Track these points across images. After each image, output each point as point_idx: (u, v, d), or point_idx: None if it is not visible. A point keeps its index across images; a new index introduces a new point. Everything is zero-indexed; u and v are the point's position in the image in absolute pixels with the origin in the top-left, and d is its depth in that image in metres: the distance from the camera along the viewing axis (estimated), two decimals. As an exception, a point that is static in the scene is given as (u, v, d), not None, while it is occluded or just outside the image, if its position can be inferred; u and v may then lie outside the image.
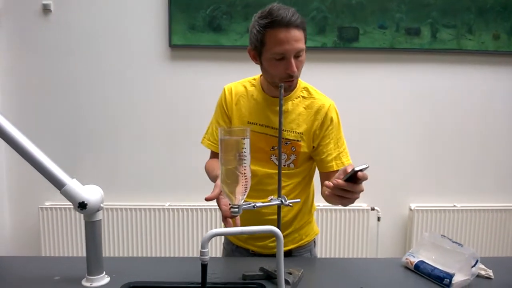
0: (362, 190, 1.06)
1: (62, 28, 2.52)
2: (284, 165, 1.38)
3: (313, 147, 1.38)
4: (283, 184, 1.39)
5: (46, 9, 2.49)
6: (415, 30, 2.55)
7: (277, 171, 1.37)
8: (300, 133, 1.36)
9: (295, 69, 1.23)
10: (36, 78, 2.56)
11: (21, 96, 2.57)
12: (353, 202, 1.10)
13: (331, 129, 1.37)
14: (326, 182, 1.11)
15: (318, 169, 1.43)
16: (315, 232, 1.55)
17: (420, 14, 2.53)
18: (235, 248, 1.53)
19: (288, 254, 1.44)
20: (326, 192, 1.13)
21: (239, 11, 2.47)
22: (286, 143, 1.36)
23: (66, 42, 2.53)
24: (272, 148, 1.37)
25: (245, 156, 0.98)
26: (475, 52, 2.59)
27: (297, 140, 1.36)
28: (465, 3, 2.53)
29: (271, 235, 1.42)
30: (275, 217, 1.40)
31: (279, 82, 1.27)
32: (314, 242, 1.57)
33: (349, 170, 1.04)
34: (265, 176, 1.38)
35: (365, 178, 1.03)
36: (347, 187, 1.04)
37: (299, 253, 1.48)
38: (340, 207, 2.59)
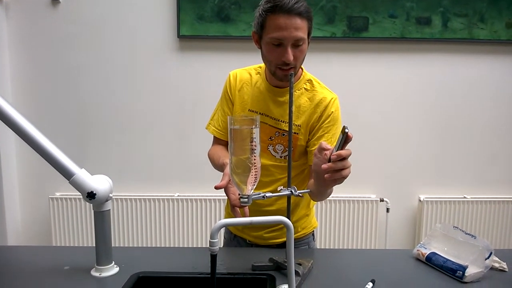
0: (350, 165, 1.02)
1: (71, 19, 2.52)
2: (281, 157, 1.36)
3: (309, 139, 1.35)
4: (279, 176, 1.38)
5: (54, 0, 2.48)
6: (425, 19, 2.51)
7: (274, 163, 1.37)
8: (298, 125, 1.33)
9: (291, 57, 1.20)
10: (44, 69, 2.56)
11: (30, 87, 2.57)
12: (342, 181, 1.04)
13: (328, 122, 1.33)
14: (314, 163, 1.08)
15: (308, 162, 1.37)
16: (313, 225, 1.52)
17: (431, 2, 2.49)
18: (233, 237, 1.53)
19: (283, 245, 1.42)
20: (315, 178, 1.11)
21: (247, 1, 2.44)
22: (283, 135, 1.34)
23: (75, 33, 2.53)
24: (270, 138, 1.35)
25: (255, 146, 0.97)
26: (487, 41, 2.54)
27: (295, 133, 1.33)
28: (477, -9, 2.48)
29: (267, 225, 1.43)
30: (273, 208, 1.40)
31: (275, 69, 1.26)
32: (313, 235, 1.55)
33: (324, 146, 1.03)
34: (261, 167, 1.35)
35: (350, 139, 0.99)
36: (339, 165, 1.00)
37: (296, 246, 1.46)
38: (348, 197, 2.58)
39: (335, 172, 1.00)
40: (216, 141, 1.48)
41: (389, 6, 2.49)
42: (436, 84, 2.60)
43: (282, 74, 1.25)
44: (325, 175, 1.01)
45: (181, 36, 2.50)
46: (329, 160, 1.01)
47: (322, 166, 1.00)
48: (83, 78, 2.57)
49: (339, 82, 2.43)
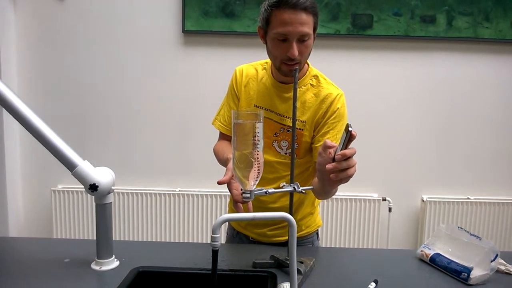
0: (355, 163, 1.00)
1: (77, 14, 2.51)
2: (286, 153, 1.35)
3: (314, 135, 1.33)
4: (284, 173, 1.36)
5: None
6: (430, 18, 2.49)
7: (278, 159, 1.36)
8: (303, 121, 1.32)
9: (296, 52, 1.19)
10: (50, 62, 2.56)
11: (36, 80, 2.57)
12: (348, 180, 1.02)
13: (333, 119, 1.31)
14: (321, 165, 1.05)
15: (312, 158, 1.36)
16: (317, 224, 1.51)
17: (436, 1, 2.47)
18: (235, 233, 1.52)
19: (286, 244, 1.40)
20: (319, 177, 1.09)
21: (252, -3, 2.43)
22: (288, 131, 1.32)
23: (81, 28, 2.52)
24: (275, 134, 1.34)
25: (259, 140, 0.96)
26: (492, 40, 2.51)
27: (300, 129, 1.32)
28: (482, -11, 2.46)
29: (271, 222, 1.43)
30: (277, 205, 1.38)
31: (280, 65, 1.25)
32: (317, 234, 1.53)
33: (328, 144, 1.01)
34: (265, 163, 1.34)
35: (354, 137, 0.97)
36: (344, 164, 0.98)
37: (299, 244, 1.45)
38: (350, 196, 2.57)
39: (340, 172, 0.99)
40: (222, 136, 1.48)
41: (393, 4, 2.47)
42: (440, 83, 2.58)
43: (287, 69, 1.24)
44: (330, 175, 0.99)
45: (185, 31, 2.49)
46: (334, 160, 0.99)
47: (327, 166, 0.99)
48: (87, 72, 2.56)
49: (342, 79, 2.41)
